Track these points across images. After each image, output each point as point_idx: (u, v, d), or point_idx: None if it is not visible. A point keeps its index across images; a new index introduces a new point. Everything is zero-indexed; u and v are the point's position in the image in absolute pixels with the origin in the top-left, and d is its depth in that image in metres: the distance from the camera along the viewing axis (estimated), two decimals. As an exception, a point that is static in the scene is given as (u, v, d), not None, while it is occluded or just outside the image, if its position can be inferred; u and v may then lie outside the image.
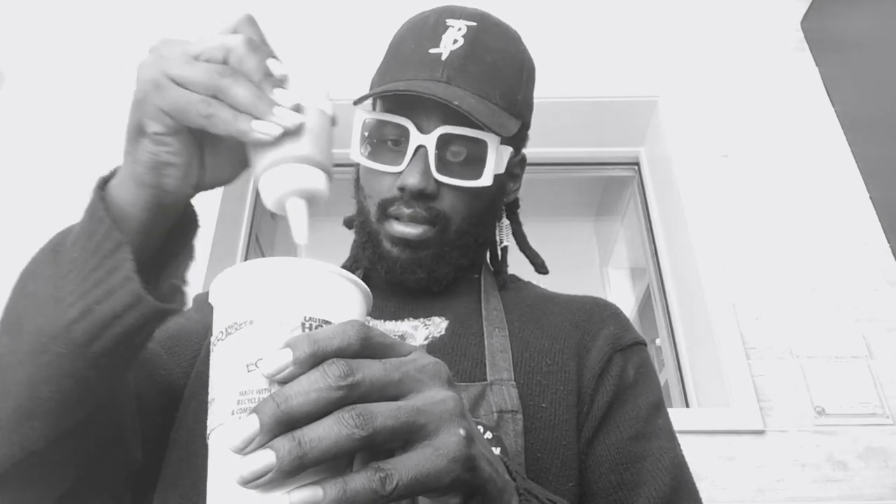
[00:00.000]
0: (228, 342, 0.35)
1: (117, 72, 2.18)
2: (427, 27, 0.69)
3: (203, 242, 1.86)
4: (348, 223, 0.77)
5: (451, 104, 0.61)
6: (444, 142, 0.64)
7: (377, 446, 0.32)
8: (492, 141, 0.64)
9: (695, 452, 1.53)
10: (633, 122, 2.24)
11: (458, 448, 0.33)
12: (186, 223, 0.49)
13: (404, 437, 0.32)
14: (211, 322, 0.72)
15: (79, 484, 0.50)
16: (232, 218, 2.10)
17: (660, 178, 2.18)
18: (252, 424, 0.30)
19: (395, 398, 0.33)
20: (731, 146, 2.05)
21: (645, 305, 2.64)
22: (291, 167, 0.40)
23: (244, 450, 0.30)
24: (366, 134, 0.67)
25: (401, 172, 0.65)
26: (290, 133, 0.40)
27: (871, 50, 1.96)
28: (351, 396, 0.31)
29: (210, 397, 0.35)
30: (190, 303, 0.74)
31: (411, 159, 0.64)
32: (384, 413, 0.31)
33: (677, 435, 0.66)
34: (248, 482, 0.30)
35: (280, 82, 0.41)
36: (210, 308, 0.72)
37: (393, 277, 0.68)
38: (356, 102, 0.67)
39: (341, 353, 0.32)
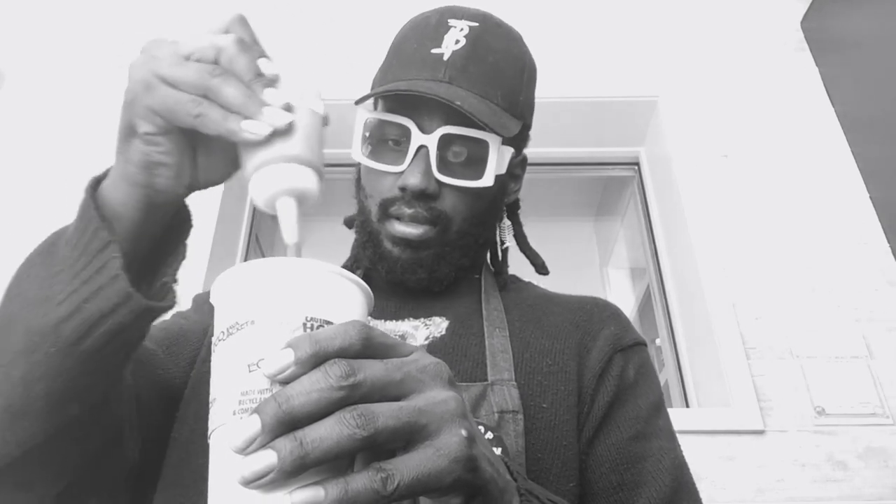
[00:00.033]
0: (230, 342, 0.35)
1: (117, 72, 2.18)
2: (429, 27, 0.69)
3: (203, 242, 1.86)
4: (349, 223, 0.78)
5: (453, 104, 0.61)
6: (445, 142, 0.64)
7: (379, 446, 0.32)
8: (493, 141, 0.64)
9: (695, 452, 1.53)
10: (633, 122, 2.24)
11: (460, 448, 0.33)
12: (181, 222, 0.49)
13: (406, 438, 0.32)
14: (210, 322, 0.72)
15: (76, 483, 0.50)
16: (232, 218, 2.10)
17: (660, 178, 2.18)
18: (254, 425, 0.30)
19: (396, 398, 0.33)
20: (731, 146, 2.05)
21: (645, 305, 2.64)
22: (281, 167, 0.40)
23: (246, 450, 0.30)
24: (367, 133, 0.67)
25: (402, 172, 0.65)
26: (281, 133, 0.40)
27: (871, 50, 1.96)
28: (352, 397, 0.31)
29: (211, 397, 0.35)
30: (186, 301, 0.74)
31: (413, 159, 0.64)
32: (386, 413, 0.31)
33: (677, 435, 0.66)
34: (249, 482, 0.30)
35: (271, 82, 0.41)
36: (209, 308, 0.72)
37: (394, 277, 0.68)
38: (358, 102, 0.67)
39: (343, 354, 0.32)
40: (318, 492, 0.30)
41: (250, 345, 0.34)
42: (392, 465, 0.31)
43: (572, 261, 3.03)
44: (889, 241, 1.85)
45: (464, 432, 0.34)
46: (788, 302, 1.78)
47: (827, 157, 2.02)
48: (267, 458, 0.30)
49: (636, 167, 2.35)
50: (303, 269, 0.36)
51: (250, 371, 0.33)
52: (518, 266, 0.80)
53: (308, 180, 0.41)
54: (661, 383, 1.45)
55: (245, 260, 2.14)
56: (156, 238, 0.48)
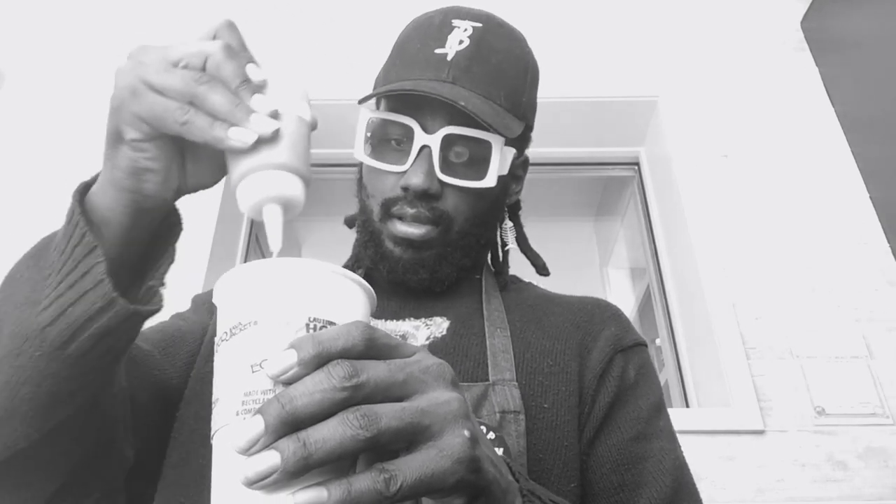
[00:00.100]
0: (233, 343, 0.35)
1: (117, 71, 2.17)
2: (433, 27, 0.69)
3: (203, 243, 1.86)
4: (349, 222, 0.77)
5: (456, 104, 0.61)
6: (448, 142, 0.64)
7: (381, 447, 0.32)
8: (496, 142, 0.64)
9: (695, 452, 1.53)
10: (633, 122, 2.24)
11: (463, 449, 0.33)
12: (170, 226, 0.49)
13: (409, 438, 0.32)
14: (208, 322, 0.72)
15: (70, 484, 0.50)
16: (232, 218, 2.10)
17: (660, 178, 2.18)
18: (257, 425, 0.30)
19: (399, 399, 0.33)
20: (731, 146, 2.05)
21: (645, 305, 2.64)
22: (267, 174, 0.40)
23: (249, 451, 0.30)
24: (369, 133, 0.67)
25: (404, 172, 0.65)
26: (267, 140, 0.40)
27: (871, 50, 1.96)
28: (355, 397, 0.31)
29: (214, 398, 0.35)
30: (186, 302, 0.74)
31: (415, 159, 0.64)
32: (389, 414, 0.31)
33: (678, 435, 0.66)
34: (252, 483, 0.30)
35: (258, 88, 0.41)
36: (208, 308, 0.71)
37: (395, 277, 0.68)
38: (361, 101, 0.67)
39: (346, 354, 0.32)
40: (321, 492, 0.30)
41: (253, 345, 0.34)
42: (395, 466, 0.31)
43: (572, 261, 3.03)
44: (889, 241, 1.85)
45: (467, 433, 0.34)
46: (788, 302, 1.78)
47: (827, 157, 2.02)
48: (270, 459, 0.30)
49: (636, 167, 2.35)
50: (306, 270, 0.36)
51: (253, 372, 0.33)
52: (518, 266, 0.80)
53: (294, 188, 0.41)
54: (662, 383, 1.45)
55: (245, 260, 2.14)
56: (145, 242, 0.48)
